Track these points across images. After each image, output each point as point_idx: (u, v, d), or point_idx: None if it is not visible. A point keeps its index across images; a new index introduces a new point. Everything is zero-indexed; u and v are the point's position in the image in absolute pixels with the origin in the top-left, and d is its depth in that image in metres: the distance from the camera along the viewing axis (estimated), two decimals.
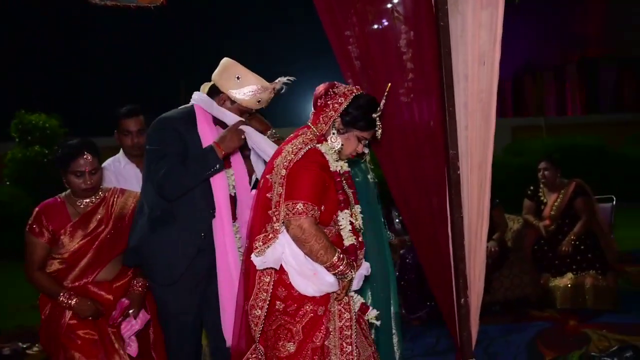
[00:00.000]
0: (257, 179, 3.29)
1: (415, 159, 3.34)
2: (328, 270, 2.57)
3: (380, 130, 2.72)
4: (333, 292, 2.63)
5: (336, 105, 2.66)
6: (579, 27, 19.98)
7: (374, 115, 2.67)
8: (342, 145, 2.68)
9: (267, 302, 2.62)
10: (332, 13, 3.24)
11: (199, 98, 3.10)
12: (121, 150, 3.85)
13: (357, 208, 2.78)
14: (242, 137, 3.02)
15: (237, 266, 3.02)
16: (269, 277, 2.63)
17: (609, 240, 5.69)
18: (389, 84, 2.80)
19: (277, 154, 2.72)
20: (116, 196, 3.28)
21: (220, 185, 3.05)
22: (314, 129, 2.71)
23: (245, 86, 2.99)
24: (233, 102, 3.04)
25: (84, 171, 3.09)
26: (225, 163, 3.07)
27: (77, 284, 3.14)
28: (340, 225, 2.65)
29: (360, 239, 2.75)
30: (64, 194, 3.23)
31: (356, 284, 2.72)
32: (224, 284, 3.04)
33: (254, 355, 2.73)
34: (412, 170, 3.38)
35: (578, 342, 4.50)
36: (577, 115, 17.37)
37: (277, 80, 3.07)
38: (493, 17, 2.93)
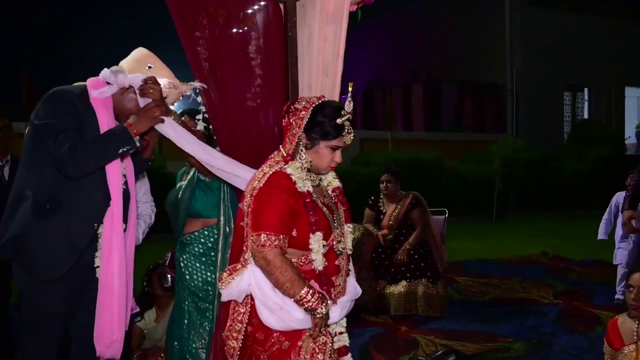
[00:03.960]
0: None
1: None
2: (298, 305, 2.39)
3: (351, 135, 2.54)
4: (307, 329, 2.46)
5: (298, 120, 2.51)
6: (425, 50, 21.18)
7: (339, 121, 2.50)
8: (311, 161, 2.54)
9: (242, 334, 2.49)
10: (183, 13, 3.18)
11: (105, 76, 2.81)
12: None
13: (347, 228, 2.63)
14: (157, 113, 2.79)
15: (121, 266, 2.80)
16: (244, 307, 2.50)
17: (441, 250, 6.00)
18: (351, 83, 2.64)
19: (250, 180, 2.58)
20: None
21: (116, 172, 2.78)
22: (282, 150, 2.58)
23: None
24: (136, 92, 2.82)
25: None
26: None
27: None
28: (312, 248, 2.46)
29: (337, 262, 2.56)
30: None
31: (337, 315, 2.55)
32: (105, 285, 2.78)
33: None
34: None
35: (408, 347, 4.72)
36: (421, 132, 18.32)
37: (190, 83, 2.93)
38: (337, 32, 3.01)
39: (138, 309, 3.47)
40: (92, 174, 2.70)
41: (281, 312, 2.41)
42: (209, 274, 3.45)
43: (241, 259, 2.51)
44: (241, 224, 2.55)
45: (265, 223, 2.40)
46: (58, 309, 2.80)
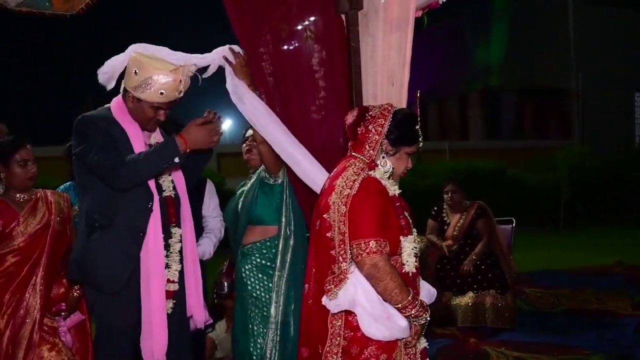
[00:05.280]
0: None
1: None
2: (401, 312, 2.41)
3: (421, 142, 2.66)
4: (402, 339, 2.47)
5: (378, 128, 2.55)
6: (483, 57, 20.86)
7: (417, 127, 2.61)
8: (392, 167, 2.59)
9: (342, 347, 2.46)
10: (247, 30, 3.22)
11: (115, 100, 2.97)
12: None
13: (414, 232, 2.65)
14: (215, 138, 2.87)
15: (162, 274, 2.91)
16: (340, 320, 2.49)
17: (509, 261, 5.85)
18: (418, 91, 2.74)
19: (329, 190, 2.56)
20: (49, 194, 3.28)
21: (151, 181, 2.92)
22: (362, 157, 2.58)
23: (143, 79, 2.76)
24: (139, 99, 2.83)
25: (28, 160, 3.13)
26: None
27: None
28: (404, 251, 2.50)
29: (416, 263, 2.60)
30: None
31: None
32: (154, 292, 2.88)
33: None
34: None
35: (478, 359, 4.62)
36: (479, 141, 18.01)
37: (184, 64, 2.84)
38: (402, 40, 3.00)
39: (211, 320, 3.52)
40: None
41: (387, 321, 2.40)
42: (270, 285, 3.48)
43: (335, 269, 2.46)
44: (327, 235, 2.51)
45: (369, 229, 2.40)
46: (126, 323, 2.91)
